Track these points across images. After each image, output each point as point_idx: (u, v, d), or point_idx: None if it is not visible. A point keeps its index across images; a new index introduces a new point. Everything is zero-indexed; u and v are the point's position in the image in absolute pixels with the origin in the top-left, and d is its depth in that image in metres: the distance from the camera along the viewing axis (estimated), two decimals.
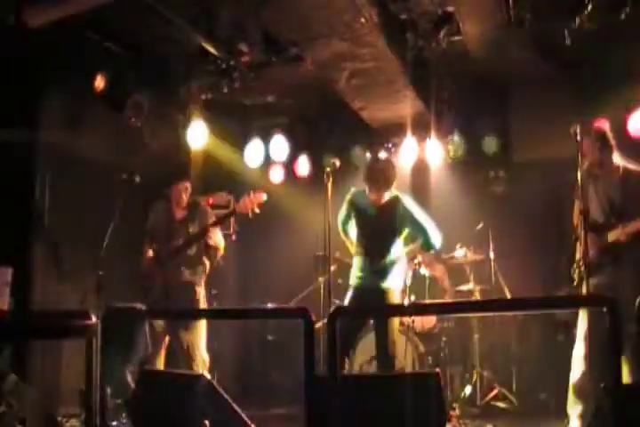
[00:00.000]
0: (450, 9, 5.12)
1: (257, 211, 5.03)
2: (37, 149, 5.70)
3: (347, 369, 4.74)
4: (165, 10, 5.06)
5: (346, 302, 4.78)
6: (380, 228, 4.70)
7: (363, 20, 4.83)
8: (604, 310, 2.31)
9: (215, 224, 5.20)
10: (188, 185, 5.34)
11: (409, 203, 4.71)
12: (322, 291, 5.57)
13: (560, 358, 4.66)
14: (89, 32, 5.48)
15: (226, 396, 3.19)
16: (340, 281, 5.62)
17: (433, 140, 6.85)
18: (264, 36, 5.61)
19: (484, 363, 5.98)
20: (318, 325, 4.87)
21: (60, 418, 4.89)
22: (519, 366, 6.06)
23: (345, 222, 4.89)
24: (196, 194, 5.59)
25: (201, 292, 5.23)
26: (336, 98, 6.40)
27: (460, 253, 6.06)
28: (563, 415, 4.28)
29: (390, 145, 7.11)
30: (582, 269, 4.05)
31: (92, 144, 6.04)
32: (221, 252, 5.33)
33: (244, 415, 3.17)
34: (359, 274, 4.75)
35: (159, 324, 5.08)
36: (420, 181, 6.86)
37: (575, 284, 4.31)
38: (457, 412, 5.38)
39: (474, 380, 5.85)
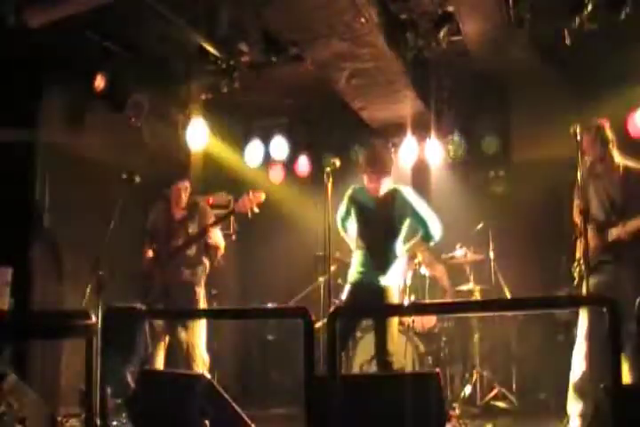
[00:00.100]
0: (450, 9, 5.12)
1: (256, 211, 5.03)
2: (37, 149, 5.70)
3: (343, 368, 4.73)
4: (165, 10, 5.06)
5: (343, 297, 4.73)
6: (380, 221, 4.68)
7: (363, 20, 4.83)
8: (604, 310, 2.31)
9: (214, 224, 5.21)
10: (187, 185, 5.34)
11: (408, 194, 4.68)
12: (322, 291, 5.57)
13: (560, 358, 4.66)
14: (89, 32, 5.48)
15: (226, 396, 3.19)
16: (340, 281, 5.61)
17: (433, 140, 6.85)
18: (264, 36, 5.62)
19: (484, 363, 5.98)
20: (318, 325, 4.88)
21: (59, 418, 4.89)
22: (519, 366, 6.06)
23: (344, 218, 4.88)
24: (196, 194, 5.60)
25: (201, 292, 5.23)
26: (336, 98, 6.40)
27: (459, 253, 6.06)
28: (563, 415, 4.28)
29: (390, 145, 7.11)
30: (583, 267, 4.06)
31: (92, 144, 6.04)
32: (222, 251, 5.33)
33: (244, 415, 3.17)
34: (360, 269, 4.72)
35: (159, 324, 5.09)
36: (420, 181, 6.85)
37: (575, 283, 4.31)
38: (457, 412, 5.39)
39: (474, 380, 5.85)
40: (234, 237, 6.71)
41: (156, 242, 5.29)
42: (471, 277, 6.08)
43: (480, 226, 6.06)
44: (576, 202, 4.32)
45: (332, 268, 4.96)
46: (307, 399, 2.54)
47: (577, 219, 4.30)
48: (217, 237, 5.28)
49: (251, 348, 7.42)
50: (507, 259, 6.08)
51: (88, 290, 4.57)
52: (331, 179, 4.60)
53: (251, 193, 5.05)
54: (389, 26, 5.21)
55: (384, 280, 4.63)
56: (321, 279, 5.87)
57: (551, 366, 5.52)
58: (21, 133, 5.58)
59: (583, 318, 4.21)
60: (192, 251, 5.19)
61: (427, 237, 4.71)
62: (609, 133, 4.31)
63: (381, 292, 4.62)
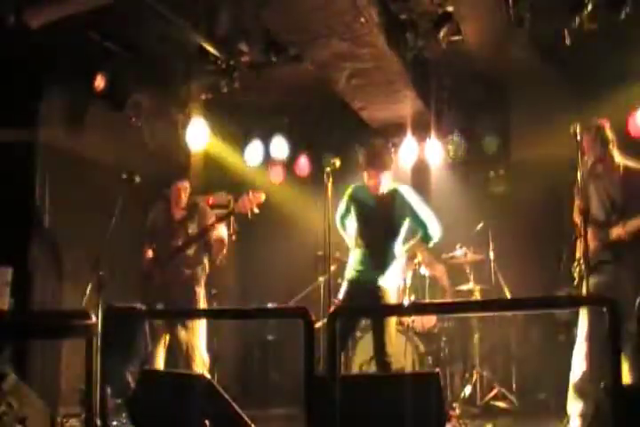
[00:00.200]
0: (450, 9, 5.12)
1: (256, 211, 5.03)
2: (37, 149, 5.70)
3: (343, 369, 4.72)
4: (165, 10, 5.06)
5: (340, 295, 4.73)
6: (380, 219, 4.68)
7: (363, 20, 4.83)
8: (604, 310, 2.31)
9: (214, 224, 5.20)
10: (187, 185, 5.34)
11: (408, 193, 4.69)
12: (322, 291, 5.57)
13: (560, 358, 4.66)
14: (89, 32, 5.48)
15: (226, 396, 3.18)
16: (339, 281, 5.61)
17: (433, 140, 6.85)
18: (264, 36, 5.62)
19: (483, 363, 5.98)
20: (318, 325, 4.87)
21: (59, 418, 4.89)
22: (519, 366, 6.06)
23: (344, 216, 4.88)
24: (196, 194, 5.59)
25: (201, 292, 5.23)
26: (336, 98, 6.40)
27: (459, 252, 6.06)
28: (563, 415, 4.27)
29: (390, 145, 7.11)
30: (583, 267, 4.05)
31: (92, 144, 6.04)
32: (226, 245, 5.30)
33: (244, 415, 3.17)
34: (358, 267, 4.72)
35: (159, 323, 5.08)
36: (420, 181, 6.85)
37: (575, 283, 4.31)
38: (457, 412, 5.39)
39: (474, 380, 5.85)
40: (234, 237, 6.69)
41: (156, 242, 5.29)
42: (471, 277, 6.08)
43: (480, 226, 6.06)
44: (576, 202, 4.32)
45: (332, 268, 4.95)
46: (307, 399, 2.53)
47: (577, 219, 4.30)
48: (221, 230, 5.26)
49: (251, 348, 7.42)
50: (507, 259, 6.08)
51: (88, 290, 4.57)
52: (331, 179, 4.60)
53: (251, 193, 5.05)
54: (389, 26, 5.21)
55: (381, 281, 4.63)
56: (321, 279, 5.87)
57: (551, 366, 5.51)
58: (21, 133, 5.58)
59: (583, 318, 4.21)
60: (192, 251, 5.19)
61: (426, 238, 4.71)
62: (609, 133, 4.31)
63: (378, 292, 4.62)
